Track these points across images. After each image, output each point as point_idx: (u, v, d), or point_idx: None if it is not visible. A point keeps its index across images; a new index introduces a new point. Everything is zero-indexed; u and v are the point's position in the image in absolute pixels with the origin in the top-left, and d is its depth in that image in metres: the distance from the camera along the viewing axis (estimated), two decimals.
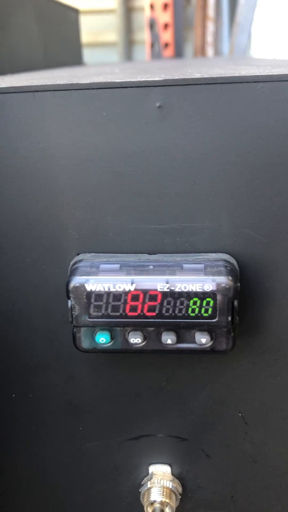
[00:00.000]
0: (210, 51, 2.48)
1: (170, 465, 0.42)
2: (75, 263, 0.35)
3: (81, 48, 1.15)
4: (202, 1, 2.40)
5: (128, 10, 3.02)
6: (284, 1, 2.17)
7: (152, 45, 2.40)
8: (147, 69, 0.53)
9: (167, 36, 2.36)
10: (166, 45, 2.37)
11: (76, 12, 1.10)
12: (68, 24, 1.03)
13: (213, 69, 0.42)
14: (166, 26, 2.35)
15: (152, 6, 2.32)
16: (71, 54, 1.04)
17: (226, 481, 0.42)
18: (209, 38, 2.51)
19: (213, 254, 0.35)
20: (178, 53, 2.40)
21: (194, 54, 2.51)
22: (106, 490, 0.43)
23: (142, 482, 0.42)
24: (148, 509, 0.41)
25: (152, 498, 0.41)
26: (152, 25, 2.38)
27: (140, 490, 0.42)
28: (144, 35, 2.72)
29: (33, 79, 0.41)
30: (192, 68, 0.46)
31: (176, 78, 0.31)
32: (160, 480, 0.42)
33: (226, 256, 0.34)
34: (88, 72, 0.50)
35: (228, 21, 2.50)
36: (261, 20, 2.18)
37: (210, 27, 2.48)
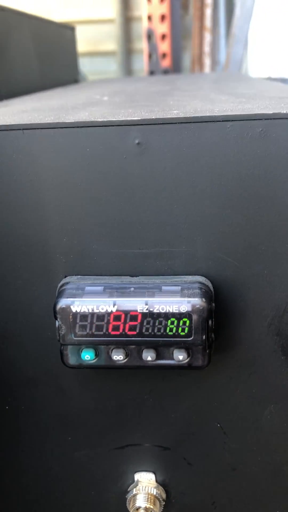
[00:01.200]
0: (207, 61, 2.51)
1: (154, 472, 0.44)
2: (62, 285, 0.37)
3: (77, 64, 1.18)
4: (199, 11, 2.44)
5: (127, 20, 3.06)
6: (279, 12, 2.20)
7: (150, 56, 2.43)
8: (134, 96, 0.55)
9: (164, 46, 2.40)
10: (164, 55, 2.41)
11: (72, 30, 1.14)
12: (64, 42, 1.06)
13: (193, 101, 0.44)
14: (163, 36, 2.39)
15: (149, 17, 2.36)
16: (67, 71, 1.07)
17: (207, 488, 0.44)
18: (206, 48, 2.55)
19: (190, 276, 0.37)
20: (176, 63, 2.43)
21: (192, 64, 2.55)
22: (94, 497, 0.46)
23: (128, 489, 0.45)
24: None
25: (138, 504, 0.44)
26: (150, 35, 2.42)
27: (126, 496, 0.45)
28: (142, 44, 2.76)
29: (25, 111, 0.44)
30: (174, 98, 0.48)
31: (153, 117, 0.34)
32: (145, 487, 0.44)
33: (201, 279, 0.37)
34: (78, 100, 0.53)
35: (225, 32, 2.54)
36: (257, 31, 2.21)
37: (207, 37, 2.52)
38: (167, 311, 0.35)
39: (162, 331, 0.36)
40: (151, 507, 0.43)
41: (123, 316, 0.36)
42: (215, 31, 2.51)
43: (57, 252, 0.38)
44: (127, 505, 0.45)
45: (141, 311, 0.35)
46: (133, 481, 0.45)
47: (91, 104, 0.47)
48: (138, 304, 0.35)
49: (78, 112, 0.40)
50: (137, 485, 0.44)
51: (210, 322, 0.36)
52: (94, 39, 3.04)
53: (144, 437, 0.43)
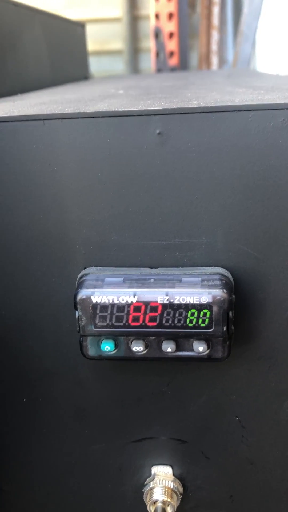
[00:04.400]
0: (214, 59, 2.51)
1: (171, 466, 0.44)
2: (82, 276, 0.37)
3: (87, 61, 1.18)
4: (207, 10, 2.43)
5: (134, 19, 3.06)
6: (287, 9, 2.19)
7: (158, 54, 2.43)
8: (150, 89, 0.55)
9: (172, 45, 2.40)
10: (171, 53, 2.41)
11: (82, 26, 1.14)
12: (75, 39, 1.06)
13: (210, 93, 0.44)
14: (171, 35, 2.38)
15: (157, 16, 2.36)
16: (78, 68, 1.07)
17: (225, 482, 0.44)
18: (214, 47, 2.54)
19: (210, 268, 0.37)
20: (183, 61, 2.43)
21: (199, 62, 2.55)
22: (110, 490, 0.46)
23: (145, 482, 0.45)
24: (151, 508, 0.44)
25: (155, 497, 0.43)
26: (157, 34, 2.42)
27: (143, 490, 0.45)
28: (149, 43, 2.76)
29: (43, 103, 0.44)
30: (191, 91, 0.48)
31: (174, 107, 0.34)
32: (162, 480, 0.44)
33: (221, 270, 0.37)
34: (93, 93, 0.53)
35: (232, 30, 2.53)
36: (266, 29, 2.21)
37: (215, 36, 2.51)
38: (188, 302, 0.35)
39: (182, 322, 0.36)
40: (169, 500, 0.43)
41: (143, 307, 0.36)
42: (222, 30, 2.51)
43: (76, 243, 0.38)
44: (144, 498, 0.45)
45: (162, 302, 0.35)
46: (150, 474, 0.45)
47: (108, 96, 0.47)
48: (158, 295, 0.35)
49: (97, 104, 0.40)
50: (154, 478, 0.44)
51: (230, 313, 0.35)
52: (101, 38, 3.04)
53: (161, 430, 0.43)
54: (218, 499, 0.45)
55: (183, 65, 2.46)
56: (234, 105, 0.33)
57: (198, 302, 0.35)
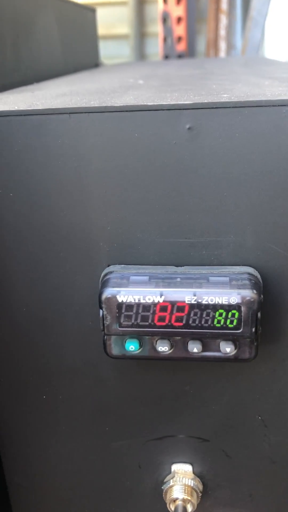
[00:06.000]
0: (222, 45, 2.47)
1: (191, 464, 0.44)
2: (106, 274, 0.37)
3: (98, 47, 1.16)
4: None
5: (140, 3, 3.01)
6: None
7: (165, 39, 2.39)
8: (170, 79, 0.54)
9: (180, 30, 2.36)
10: (179, 39, 2.37)
11: (93, 11, 1.11)
12: (86, 24, 1.04)
13: (236, 85, 0.43)
14: (179, 19, 2.35)
15: (165, 0, 2.32)
16: (89, 55, 1.05)
17: (245, 481, 0.44)
18: (222, 32, 2.50)
19: (238, 267, 0.36)
20: (191, 47, 2.40)
21: (207, 48, 2.51)
22: (130, 487, 0.45)
23: (165, 480, 0.45)
24: (171, 506, 0.44)
25: (175, 495, 0.43)
26: (165, 18, 2.38)
27: (162, 487, 0.44)
28: (156, 28, 2.71)
29: (64, 95, 0.42)
30: (214, 82, 0.47)
31: (206, 101, 0.33)
32: (182, 478, 0.44)
33: (250, 270, 0.36)
34: (113, 84, 0.51)
35: (241, 15, 2.49)
36: (275, 15, 2.17)
37: (223, 20, 2.47)
38: (216, 302, 0.34)
39: (209, 322, 0.35)
40: (189, 498, 0.43)
41: (169, 307, 0.35)
42: (231, 14, 2.47)
43: (100, 240, 0.37)
44: (163, 496, 0.44)
45: (189, 302, 0.34)
46: (170, 472, 0.44)
47: (130, 87, 0.46)
48: (186, 295, 0.34)
49: (121, 96, 0.39)
50: (174, 476, 0.44)
51: (258, 314, 0.35)
52: (107, 22, 2.99)
53: (182, 429, 0.43)
54: (237, 497, 0.45)
55: (191, 50, 2.42)
56: (268, 100, 0.32)
57: (227, 302, 0.34)
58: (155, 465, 0.44)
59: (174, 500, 0.43)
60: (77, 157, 0.35)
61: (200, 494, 0.44)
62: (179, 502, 0.43)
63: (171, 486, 0.44)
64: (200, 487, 0.44)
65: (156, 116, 0.33)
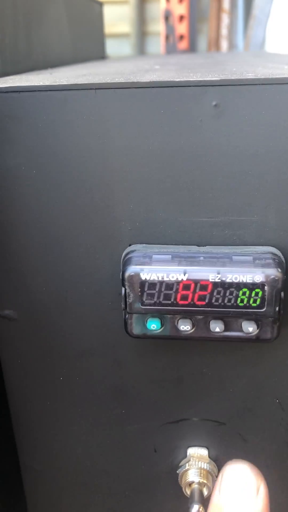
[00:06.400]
0: (224, 44, 2.47)
1: (207, 448, 0.44)
2: (128, 253, 0.36)
3: (104, 40, 1.16)
4: None
5: (142, 1, 3.01)
6: None
7: (167, 37, 2.39)
8: (185, 65, 0.54)
9: (182, 28, 2.36)
10: (181, 37, 2.37)
11: (100, 4, 1.11)
12: (94, 17, 1.04)
13: (257, 68, 0.43)
14: (181, 18, 2.35)
15: None
16: (96, 47, 1.05)
17: (261, 464, 0.44)
18: (224, 31, 2.50)
19: (260, 247, 0.36)
20: (192, 45, 2.40)
21: (208, 47, 2.51)
22: (144, 471, 0.45)
23: (180, 464, 0.44)
24: (187, 489, 0.43)
25: (191, 478, 0.43)
26: (167, 17, 2.38)
27: (177, 471, 0.44)
28: (157, 27, 2.72)
29: (84, 75, 0.42)
30: (234, 66, 0.47)
31: (233, 78, 0.33)
32: (197, 462, 0.44)
33: (273, 249, 0.36)
34: (128, 68, 0.51)
35: (243, 14, 2.49)
36: (277, 14, 2.17)
37: (225, 19, 2.48)
38: (240, 281, 0.34)
39: (232, 301, 0.35)
40: (205, 481, 0.43)
41: (192, 286, 0.35)
42: (233, 13, 2.47)
43: (122, 219, 0.37)
44: (178, 480, 0.44)
45: (213, 280, 0.34)
46: (185, 456, 0.44)
47: (148, 70, 0.46)
48: (210, 273, 0.34)
49: (143, 76, 0.39)
50: (189, 460, 0.44)
51: (282, 294, 0.35)
52: (108, 21, 2.99)
53: (199, 412, 0.42)
54: None
55: (192, 49, 2.42)
56: None
57: (251, 281, 0.34)
58: (170, 449, 0.44)
59: (190, 484, 0.43)
60: (102, 133, 0.35)
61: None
62: (195, 486, 0.43)
63: (186, 470, 0.44)
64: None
65: (183, 92, 0.33)
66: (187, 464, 0.44)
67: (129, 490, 0.46)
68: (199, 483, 0.43)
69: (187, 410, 0.43)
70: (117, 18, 3.05)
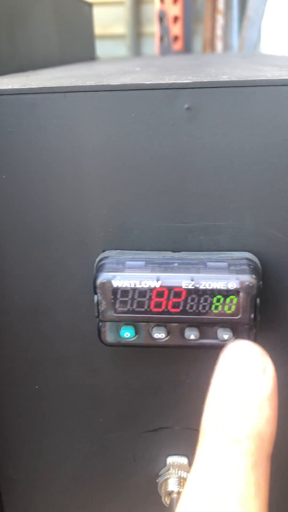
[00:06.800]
0: (219, 45, 2.47)
1: (187, 456, 0.43)
2: (101, 259, 0.36)
3: (94, 42, 1.16)
4: None
5: (137, 2, 3.00)
6: None
7: (162, 39, 2.39)
8: (168, 67, 0.53)
9: (176, 29, 2.35)
10: (176, 38, 2.37)
11: (89, 6, 1.11)
12: (82, 18, 1.03)
13: (235, 70, 0.42)
14: (176, 19, 2.34)
15: None
16: (85, 48, 1.04)
17: None
18: (219, 32, 2.50)
19: (236, 252, 0.35)
20: (187, 46, 2.39)
21: (203, 48, 2.51)
22: (124, 480, 0.44)
23: (160, 473, 0.44)
24: (166, 499, 0.43)
25: (170, 488, 0.42)
26: (161, 18, 2.37)
27: (157, 480, 0.43)
28: (152, 28, 2.71)
29: (60, 78, 0.41)
30: (214, 68, 0.46)
31: (205, 80, 0.32)
32: (177, 471, 0.43)
33: (249, 255, 0.35)
34: (110, 70, 0.50)
35: (238, 15, 2.49)
36: (272, 15, 2.17)
37: (220, 20, 2.47)
38: (214, 287, 0.33)
39: (207, 308, 0.34)
40: None
41: (166, 293, 0.34)
42: (227, 14, 2.47)
43: (95, 225, 0.36)
44: (158, 489, 0.43)
45: (186, 287, 0.34)
46: (165, 465, 0.43)
47: (127, 72, 0.45)
48: (183, 280, 0.34)
49: (118, 78, 0.38)
50: (169, 469, 0.43)
51: (258, 300, 0.34)
52: (103, 22, 2.99)
53: (178, 420, 0.42)
54: None
55: (187, 50, 2.42)
56: (268, 80, 0.31)
57: (225, 287, 0.33)
58: (150, 457, 0.43)
59: (170, 493, 0.42)
60: (72, 138, 0.34)
61: None
62: (174, 495, 0.42)
63: (166, 479, 0.43)
64: None
65: (154, 95, 0.32)
66: (166, 473, 0.43)
67: (108, 500, 0.45)
68: (178, 493, 0.42)
69: (166, 419, 0.42)
70: (112, 19, 3.05)
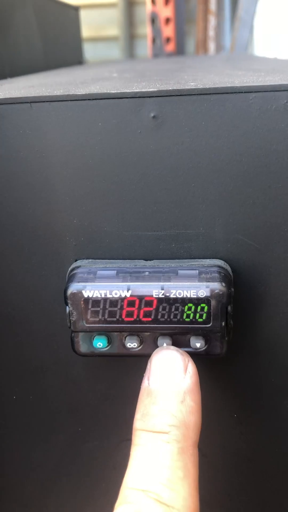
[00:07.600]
0: (211, 45, 2.47)
1: None
2: (73, 269, 0.35)
3: (81, 45, 1.15)
4: None
5: (130, 4, 3.00)
6: None
7: (154, 40, 2.39)
8: (145, 72, 0.53)
9: (168, 30, 2.35)
10: (168, 39, 2.36)
11: (76, 10, 1.11)
12: (68, 22, 1.03)
13: (208, 75, 0.42)
14: (167, 20, 2.34)
15: (153, 1, 2.31)
16: (72, 53, 1.04)
17: (222, 480, 0.43)
18: (211, 33, 2.50)
19: (208, 260, 0.35)
20: (180, 48, 2.39)
21: (196, 49, 2.51)
22: (105, 489, 0.44)
23: None
24: None
25: None
26: (153, 19, 2.37)
27: None
28: (145, 30, 2.71)
29: (32, 86, 0.41)
30: (188, 73, 0.46)
31: (170, 88, 0.32)
32: None
33: (220, 262, 0.35)
34: (86, 76, 0.50)
35: (230, 15, 2.49)
36: (263, 15, 2.17)
37: (212, 21, 2.47)
38: (185, 296, 0.33)
39: (178, 317, 0.34)
40: None
41: (137, 302, 0.34)
42: (219, 15, 2.47)
43: (66, 234, 0.36)
44: None
45: (157, 296, 0.33)
46: None
47: (101, 79, 0.45)
48: (153, 289, 0.33)
49: (89, 86, 0.38)
50: None
51: (229, 308, 0.34)
52: (97, 24, 2.99)
53: None
54: (215, 497, 0.44)
55: (180, 51, 2.42)
56: (234, 87, 0.31)
57: (195, 296, 0.33)
58: None
59: None
60: (40, 147, 0.34)
61: None
62: None
63: None
64: None
65: (120, 104, 0.32)
66: None
67: (89, 508, 0.45)
68: None
69: None
70: (105, 21, 3.05)
